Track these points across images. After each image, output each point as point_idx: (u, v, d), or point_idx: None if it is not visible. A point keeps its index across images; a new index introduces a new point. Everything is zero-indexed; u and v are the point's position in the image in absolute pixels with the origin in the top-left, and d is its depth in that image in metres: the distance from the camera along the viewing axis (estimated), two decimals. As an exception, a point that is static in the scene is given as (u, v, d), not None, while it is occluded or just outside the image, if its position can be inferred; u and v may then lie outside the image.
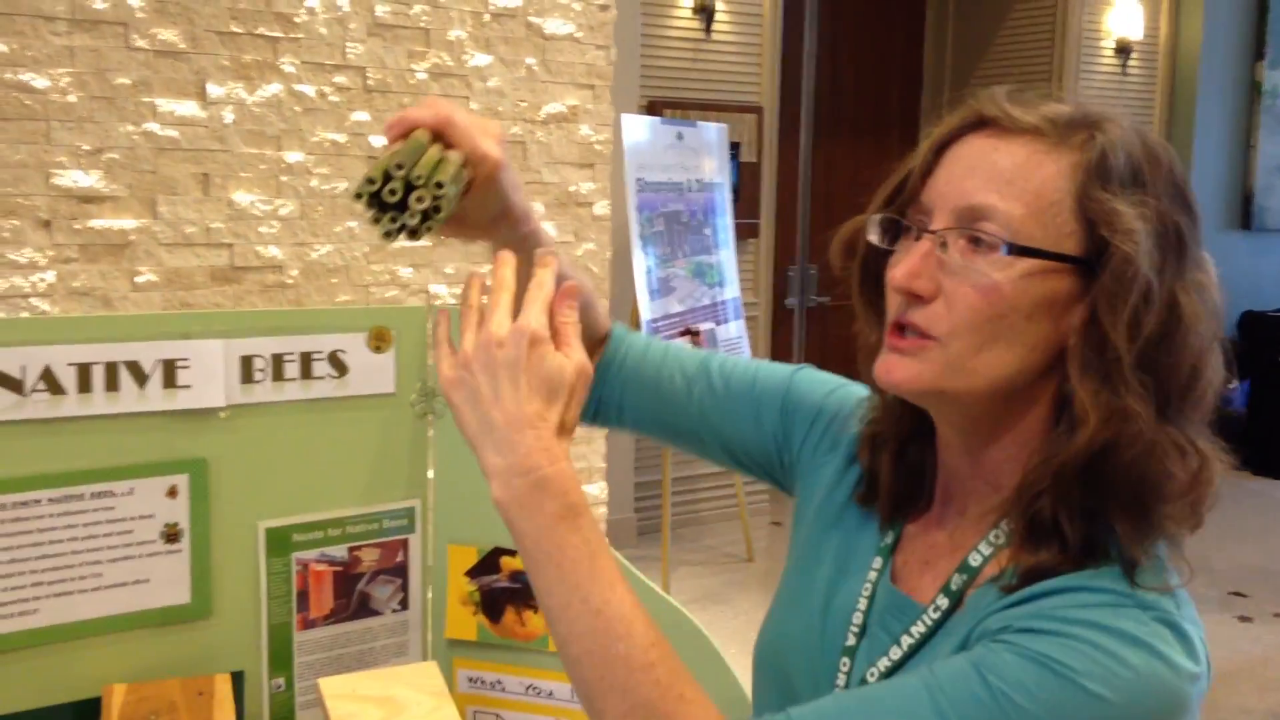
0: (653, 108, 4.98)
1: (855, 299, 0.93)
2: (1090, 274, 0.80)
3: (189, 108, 2.63)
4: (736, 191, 5.15)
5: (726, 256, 4.75)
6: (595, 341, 1.09)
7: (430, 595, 1.69)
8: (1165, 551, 0.79)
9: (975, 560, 0.85)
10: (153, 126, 2.58)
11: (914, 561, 0.91)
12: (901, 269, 0.82)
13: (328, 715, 1.50)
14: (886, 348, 0.85)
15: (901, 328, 0.83)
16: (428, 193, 0.78)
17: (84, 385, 1.39)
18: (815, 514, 1.01)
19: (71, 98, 2.48)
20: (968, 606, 0.83)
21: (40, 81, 2.44)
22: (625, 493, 4.85)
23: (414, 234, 0.79)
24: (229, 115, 2.67)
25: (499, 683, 1.66)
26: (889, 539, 0.93)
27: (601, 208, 3.29)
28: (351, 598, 1.63)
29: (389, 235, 0.79)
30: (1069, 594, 0.75)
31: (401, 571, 1.66)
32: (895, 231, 0.86)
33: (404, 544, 1.66)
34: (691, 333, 4.44)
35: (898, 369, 0.83)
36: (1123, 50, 6.33)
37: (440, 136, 0.85)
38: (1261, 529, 5.60)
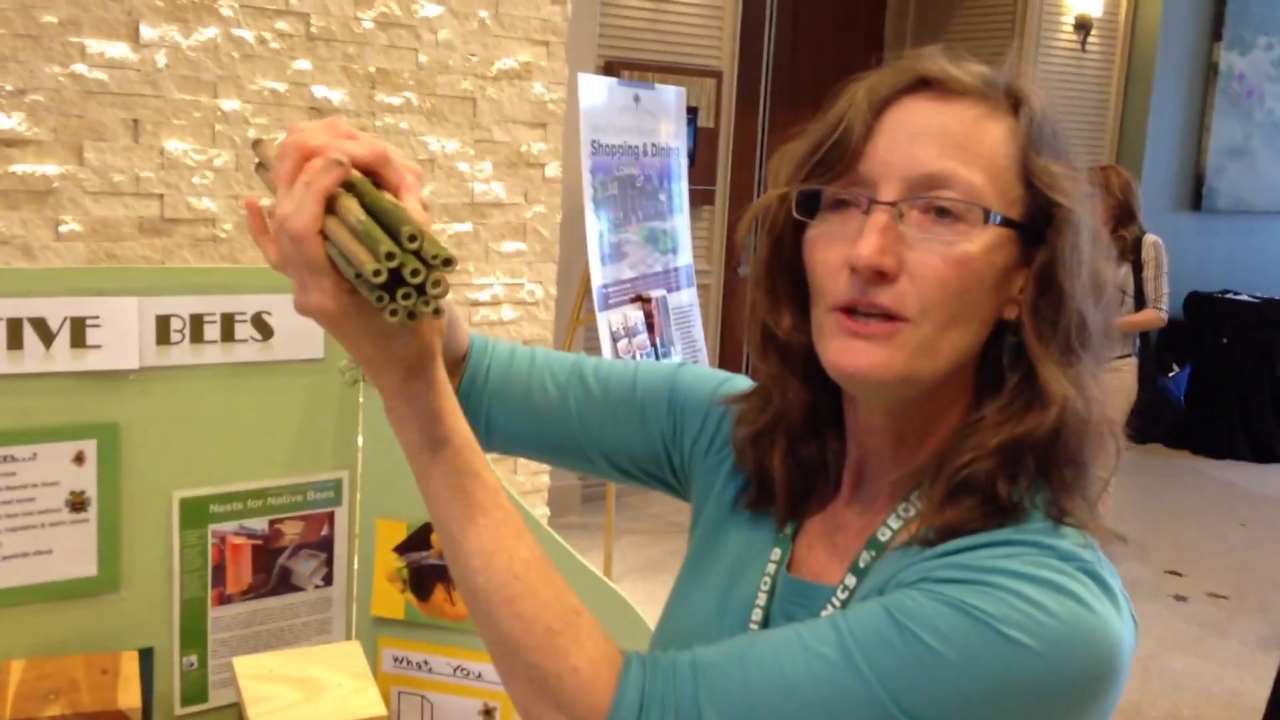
0: (610, 68, 4.88)
1: (762, 282, 0.85)
2: (1032, 241, 0.77)
3: (120, 49, 2.50)
4: (692, 157, 5.06)
5: (680, 223, 4.67)
6: (456, 359, 1.00)
7: (356, 571, 1.62)
8: (1085, 516, 0.77)
9: (884, 535, 0.81)
10: (80, 68, 2.46)
11: (820, 546, 0.86)
12: (868, 246, 0.74)
13: (241, 696, 1.43)
14: (842, 332, 0.76)
15: (851, 310, 0.76)
16: (442, 274, 0.66)
17: (-18, 343, 1.30)
18: (712, 509, 0.95)
19: (-8, 34, 2.35)
20: (879, 567, 0.79)
21: (-42, 15, 2.31)
22: (571, 459, 4.80)
23: (413, 317, 0.67)
24: (162, 59, 2.55)
25: (426, 663, 1.60)
26: (789, 529, 0.88)
27: (553, 169, 3.21)
28: (271, 572, 1.56)
29: (394, 314, 0.66)
30: (989, 548, 0.73)
31: (326, 546, 1.59)
32: (816, 204, 0.79)
33: (329, 517, 1.58)
34: (642, 299, 4.37)
35: (864, 356, 0.76)
36: (1082, 26, 6.30)
37: (371, 175, 0.72)
38: (1199, 508, 5.67)
